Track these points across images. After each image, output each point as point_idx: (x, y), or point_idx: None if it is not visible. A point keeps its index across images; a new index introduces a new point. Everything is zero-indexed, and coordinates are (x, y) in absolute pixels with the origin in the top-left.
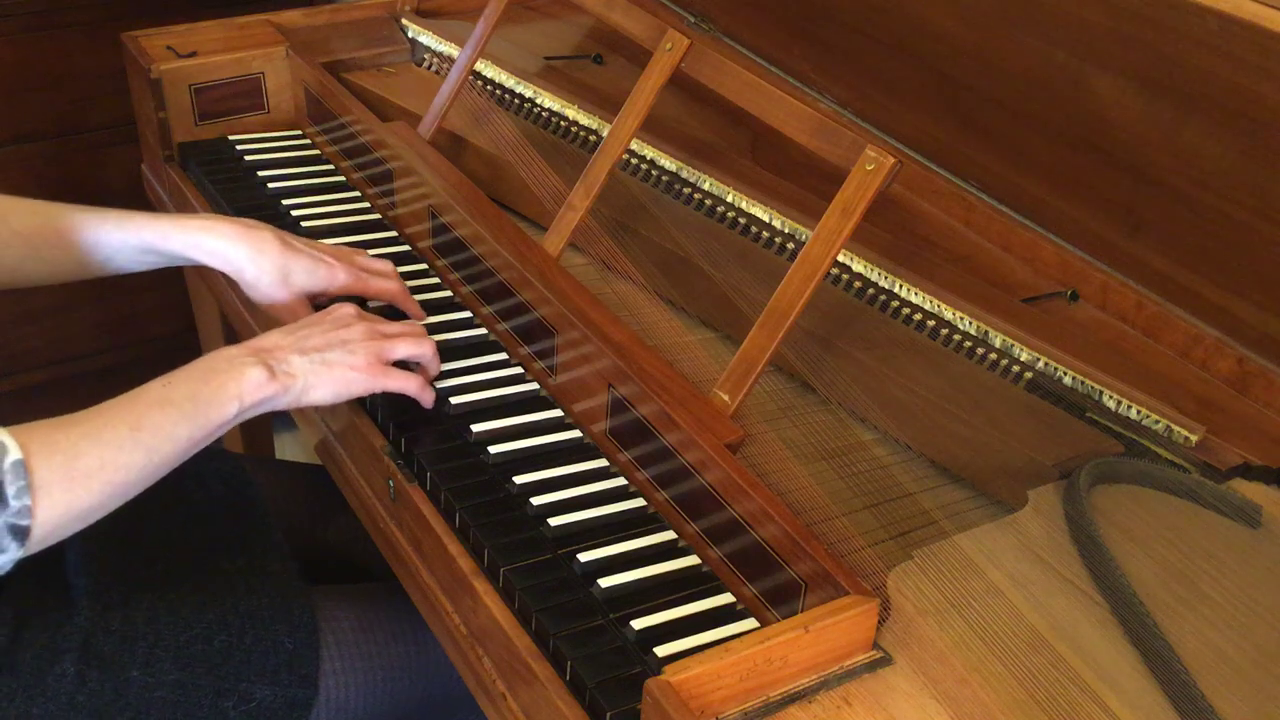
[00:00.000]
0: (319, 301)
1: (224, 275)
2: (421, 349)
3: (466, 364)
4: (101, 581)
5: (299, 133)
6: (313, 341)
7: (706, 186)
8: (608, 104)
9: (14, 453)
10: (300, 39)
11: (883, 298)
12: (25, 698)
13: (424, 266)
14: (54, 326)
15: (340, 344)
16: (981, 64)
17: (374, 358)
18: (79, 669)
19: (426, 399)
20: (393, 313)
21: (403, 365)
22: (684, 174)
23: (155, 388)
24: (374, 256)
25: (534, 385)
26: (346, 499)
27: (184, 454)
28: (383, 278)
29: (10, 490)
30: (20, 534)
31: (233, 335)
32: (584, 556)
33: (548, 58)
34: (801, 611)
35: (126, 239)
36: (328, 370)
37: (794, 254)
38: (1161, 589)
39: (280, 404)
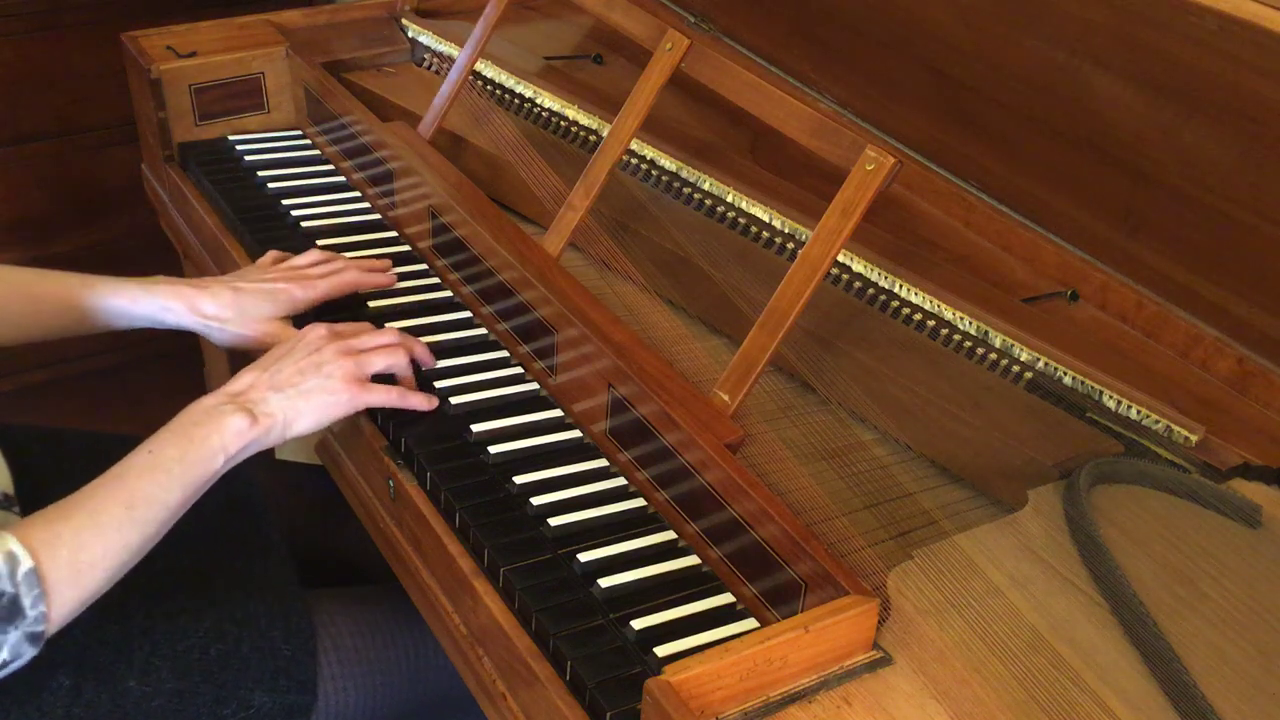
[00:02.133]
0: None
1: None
2: (396, 358)
3: (466, 364)
4: None
5: (299, 133)
6: (286, 374)
7: (706, 186)
8: (608, 104)
9: (25, 562)
10: (300, 39)
11: (883, 298)
12: (20, 713)
13: (424, 266)
14: None
15: (314, 370)
16: (981, 64)
17: (350, 378)
18: (75, 681)
19: (414, 403)
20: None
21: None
22: (684, 174)
23: (142, 456)
24: (317, 251)
25: (534, 385)
26: (346, 499)
27: (176, 516)
28: (334, 276)
29: (27, 601)
30: (37, 639)
31: None
32: (584, 556)
33: (548, 58)
34: (801, 611)
35: (102, 304)
36: (305, 400)
37: (794, 254)
38: (1161, 589)
39: (265, 444)
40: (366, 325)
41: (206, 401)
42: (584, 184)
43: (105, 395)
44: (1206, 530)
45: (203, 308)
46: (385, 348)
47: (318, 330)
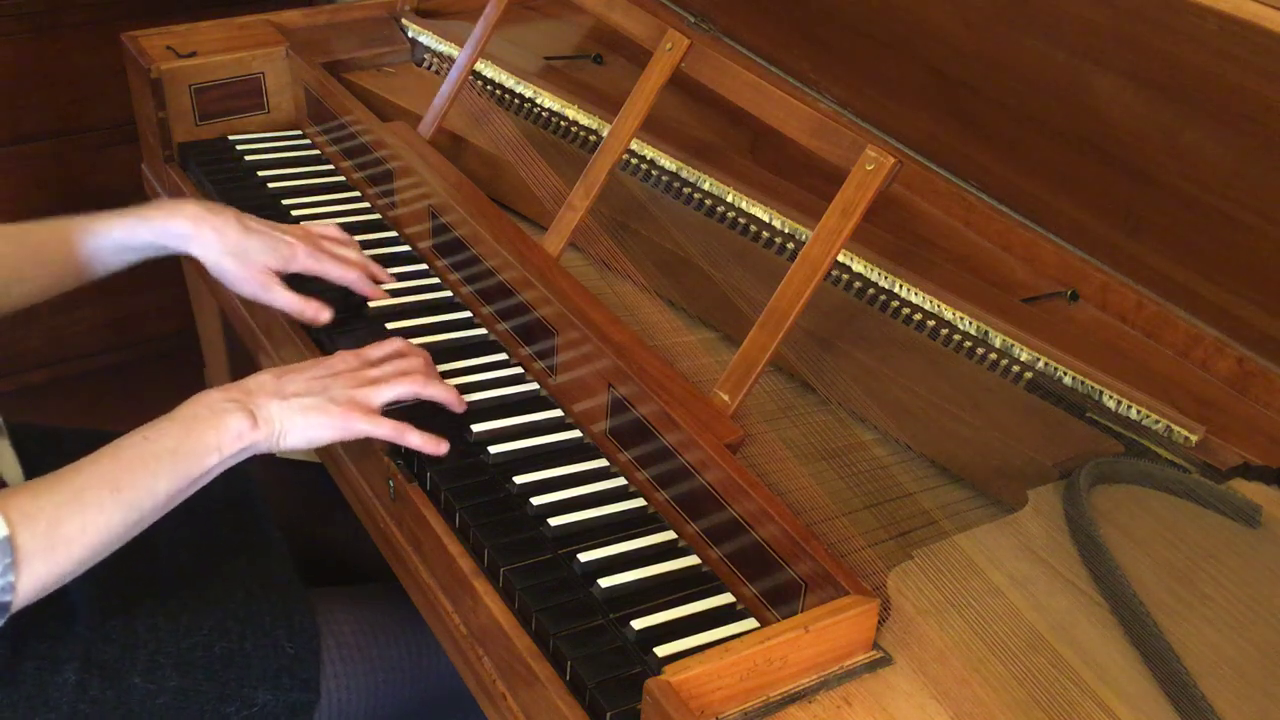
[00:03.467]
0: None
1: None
2: (405, 389)
3: (466, 364)
4: (101, 587)
5: (299, 133)
6: (293, 387)
7: (706, 186)
8: (608, 104)
9: (1, 529)
10: (300, 39)
11: (883, 298)
12: (27, 708)
13: (424, 266)
14: (54, 326)
15: (321, 390)
16: (981, 64)
17: (350, 405)
18: (80, 678)
19: (413, 443)
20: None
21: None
22: (684, 174)
23: (136, 441)
24: (334, 229)
25: (534, 385)
26: (346, 499)
27: (165, 507)
28: (340, 256)
29: None
30: (3, 608)
31: (233, 335)
32: (584, 556)
33: (548, 58)
34: (801, 611)
35: (100, 243)
36: (302, 416)
37: (794, 254)
38: (1161, 589)
39: (260, 450)
40: (398, 348)
41: (213, 395)
42: (584, 184)
43: (106, 395)
44: (1206, 530)
45: (208, 234)
46: (399, 379)
47: (345, 357)
